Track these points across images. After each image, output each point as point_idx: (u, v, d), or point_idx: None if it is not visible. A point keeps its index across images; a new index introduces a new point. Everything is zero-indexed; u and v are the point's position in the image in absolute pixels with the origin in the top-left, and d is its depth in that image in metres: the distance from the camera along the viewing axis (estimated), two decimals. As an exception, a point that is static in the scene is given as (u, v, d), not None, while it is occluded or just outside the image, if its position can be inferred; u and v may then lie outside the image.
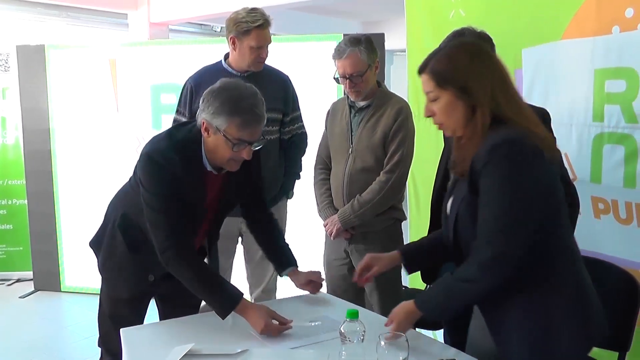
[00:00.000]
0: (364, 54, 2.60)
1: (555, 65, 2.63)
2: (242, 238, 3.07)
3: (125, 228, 2.24)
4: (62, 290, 4.85)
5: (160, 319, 2.40)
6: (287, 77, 3.03)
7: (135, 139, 4.60)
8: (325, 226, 2.80)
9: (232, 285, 2.08)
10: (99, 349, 2.40)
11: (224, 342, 1.86)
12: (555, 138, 2.15)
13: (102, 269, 2.33)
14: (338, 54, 2.63)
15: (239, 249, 3.12)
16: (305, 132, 3.10)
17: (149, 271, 2.26)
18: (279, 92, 2.93)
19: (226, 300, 1.98)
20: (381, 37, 4.05)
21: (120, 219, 2.25)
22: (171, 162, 1.98)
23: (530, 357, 1.56)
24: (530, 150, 1.47)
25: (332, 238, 2.77)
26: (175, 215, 2.01)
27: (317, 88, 4.09)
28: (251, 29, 2.74)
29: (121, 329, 2.01)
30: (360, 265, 2.02)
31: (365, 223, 2.70)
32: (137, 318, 2.29)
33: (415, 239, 2.08)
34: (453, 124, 1.60)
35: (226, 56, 2.92)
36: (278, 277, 3.11)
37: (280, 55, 4.16)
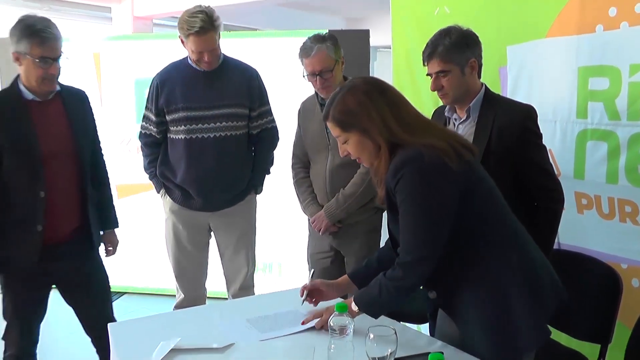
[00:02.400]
0: (330, 50, 2.62)
1: (539, 62, 2.64)
2: (213, 233, 3.06)
3: None
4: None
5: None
6: (254, 71, 3.00)
7: (119, 133, 4.57)
8: (312, 223, 2.80)
9: None
10: (72, 347, 2.45)
11: (210, 336, 1.85)
12: (540, 134, 2.19)
13: None
14: (305, 52, 2.64)
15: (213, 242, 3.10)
16: (276, 127, 3.06)
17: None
18: (243, 86, 2.90)
19: None
20: (366, 33, 4.04)
21: None
22: None
23: (490, 332, 1.68)
24: (426, 164, 1.62)
25: (320, 234, 2.77)
26: None
27: (301, 84, 4.07)
28: (188, 35, 2.71)
29: (109, 324, 2.00)
30: (307, 287, 2.00)
31: (349, 215, 2.71)
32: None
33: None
34: (367, 157, 1.76)
35: None
36: (255, 273, 3.12)
37: (265, 51, 4.17)
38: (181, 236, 2.98)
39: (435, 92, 2.23)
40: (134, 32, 6.22)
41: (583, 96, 2.49)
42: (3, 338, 2.48)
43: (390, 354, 1.50)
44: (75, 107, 2.47)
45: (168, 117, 2.86)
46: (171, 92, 2.84)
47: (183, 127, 2.82)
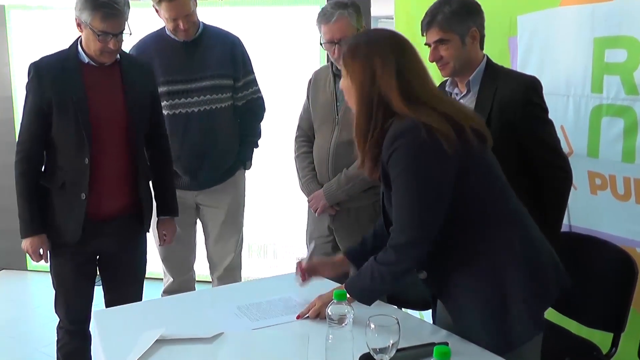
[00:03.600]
0: (352, 18, 2.55)
1: (552, 33, 2.59)
2: (199, 212, 3.03)
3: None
4: (28, 269, 4.78)
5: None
6: (236, 38, 2.95)
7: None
8: (309, 202, 2.76)
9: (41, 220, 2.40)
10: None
11: (197, 326, 1.83)
12: (545, 108, 2.14)
13: None
14: (325, 18, 2.56)
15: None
16: (262, 97, 3.04)
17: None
18: (225, 56, 2.86)
19: (27, 225, 2.38)
20: (367, 2, 3.99)
21: None
22: (41, 63, 2.36)
23: (483, 320, 1.66)
24: (423, 137, 1.57)
25: (317, 215, 2.73)
26: (30, 122, 2.36)
27: (300, 54, 4.03)
28: (160, 1, 2.67)
29: (93, 311, 2.02)
30: (304, 267, 1.99)
31: (350, 199, 2.66)
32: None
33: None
34: (357, 107, 1.71)
35: None
36: (243, 253, 3.10)
37: (262, 20, 4.12)
38: None
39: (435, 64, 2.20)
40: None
41: (598, 69, 2.45)
42: (56, 310, 2.56)
43: (392, 344, 1.47)
44: (134, 77, 2.46)
45: None
46: None
47: (164, 102, 2.77)
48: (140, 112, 2.47)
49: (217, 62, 2.83)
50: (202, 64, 2.81)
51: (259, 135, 3.06)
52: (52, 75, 2.34)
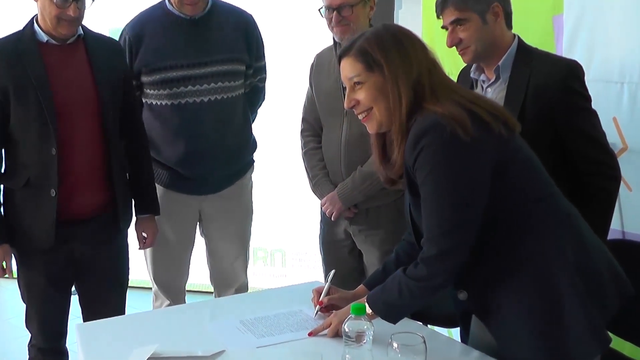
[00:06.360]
0: None
1: (604, 11, 2.55)
2: (200, 224, 2.98)
3: None
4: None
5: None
6: (251, 17, 2.90)
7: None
8: (323, 206, 2.74)
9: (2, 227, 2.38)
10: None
11: (195, 342, 1.83)
12: (587, 96, 2.14)
13: None
14: None
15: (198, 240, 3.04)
16: (265, 87, 3.02)
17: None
18: (240, 37, 2.81)
19: None
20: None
21: None
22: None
23: (535, 341, 1.62)
24: (450, 133, 1.57)
25: (332, 219, 2.71)
26: None
27: (303, 36, 3.98)
28: None
29: (76, 324, 2.00)
30: (323, 303, 1.98)
31: (369, 198, 2.64)
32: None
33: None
34: (381, 112, 1.73)
35: None
36: (254, 264, 3.07)
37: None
38: (164, 228, 2.85)
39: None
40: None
41: (659, 52, 2.41)
42: (27, 326, 2.54)
43: (418, 367, 1.45)
44: (101, 56, 2.44)
45: (144, 79, 2.73)
46: (148, 47, 2.72)
47: (166, 90, 2.71)
48: (113, 94, 2.44)
49: (230, 44, 2.76)
50: (214, 45, 2.73)
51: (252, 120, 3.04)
52: (5, 60, 2.30)
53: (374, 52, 1.68)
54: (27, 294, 2.48)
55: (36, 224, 2.36)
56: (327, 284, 2.02)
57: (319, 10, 2.59)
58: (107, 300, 2.56)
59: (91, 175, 2.42)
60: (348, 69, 1.74)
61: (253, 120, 3.04)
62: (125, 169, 2.56)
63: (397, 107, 1.67)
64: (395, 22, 3.93)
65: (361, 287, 2.02)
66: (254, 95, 2.98)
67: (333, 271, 2.10)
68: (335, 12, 2.52)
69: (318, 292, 2.01)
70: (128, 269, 2.65)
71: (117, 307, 2.56)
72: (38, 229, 2.36)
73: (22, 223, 2.38)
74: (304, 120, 2.85)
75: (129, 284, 2.70)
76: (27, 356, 2.58)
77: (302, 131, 2.86)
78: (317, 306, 1.98)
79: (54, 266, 2.44)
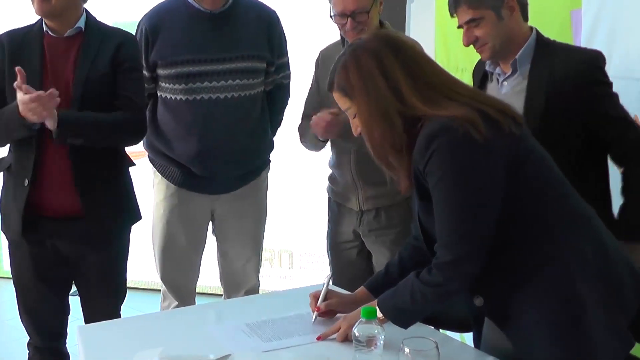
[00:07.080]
0: None
1: (624, 5, 2.53)
2: (212, 224, 2.97)
3: None
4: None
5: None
6: (274, 12, 2.89)
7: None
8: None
9: None
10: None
11: (200, 345, 1.83)
12: (610, 82, 2.15)
13: None
14: None
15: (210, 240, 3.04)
16: (289, 85, 3.01)
17: None
18: (261, 34, 2.80)
19: None
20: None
21: None
22: (3, 35, 2.41)
23: (556, 346, 1.62)
24: (461, 135, 1.58)
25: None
26: None
27: (303, 36, 3.93)
28: None
29: (77, 326, 2.00)
30: (320, 309, 1.98)
31: (380, 195, 2.63)
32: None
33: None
34: (378, 137, 1.73)
35: None
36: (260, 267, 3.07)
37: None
38: (175, 228, 2.86)
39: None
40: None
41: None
42: (21, 319, 2.59)
43: (431, 373, 1.45)
44: (95, 49, 2.42)
45: (160, 72, 2.74)
46: (166, 40, 2.72)
47: (182, 85, 2.70)
48: (93, 90, 2.39)
49: (252, 40, 2.76)
50: (234, 41, 2.72)
51: (279, 124, 3.04)
52: (11, 47, 2.38)
53: (347, 84, 1.73)
54: (15, 280, 2.54)
55: (11, 212, 2.43)
56: (324, 288, 2.01)
57: (330, 15, 2.55)
58: (101, 303, 2.57)
59: (60, 174, 2.40)
60: (339, 102, 1.79)
61: (280, 123, 3.04)
62: (108, 175, 2.50)
63: (389, 129, 1.68)
64: (407, 16, 3.93)
65: (361, 289, 2.02)
66: (278, 93, 2.96)
67: (329, 275, 2.10)
68: (349, 19, 2.50)
69: (315, 297, 2.00)
70: (125, 273, 2.64)
71: (111, 311, 2.56)
72: (13, 217, 2.42)
73: (4, 209, 2.49)
74: (304, 116, 2.80)
75: (137, 286, 2.69)
76: (27, 355, 2.60)
77: (300, 126, 2.82)
78: (315, 312, 1.98)
79: (42, 261, 2.46)
